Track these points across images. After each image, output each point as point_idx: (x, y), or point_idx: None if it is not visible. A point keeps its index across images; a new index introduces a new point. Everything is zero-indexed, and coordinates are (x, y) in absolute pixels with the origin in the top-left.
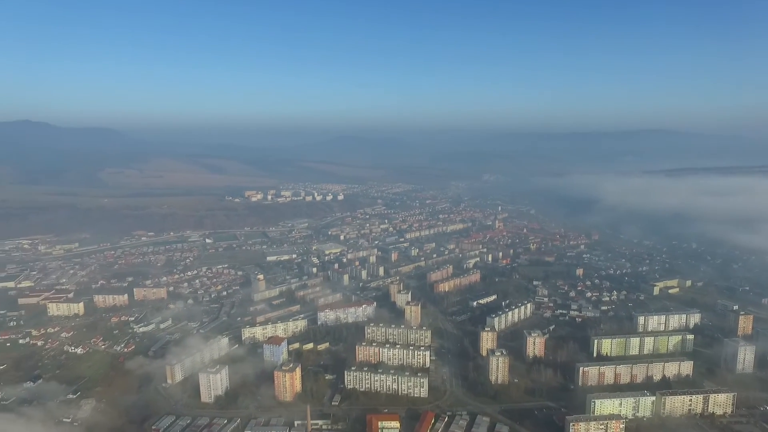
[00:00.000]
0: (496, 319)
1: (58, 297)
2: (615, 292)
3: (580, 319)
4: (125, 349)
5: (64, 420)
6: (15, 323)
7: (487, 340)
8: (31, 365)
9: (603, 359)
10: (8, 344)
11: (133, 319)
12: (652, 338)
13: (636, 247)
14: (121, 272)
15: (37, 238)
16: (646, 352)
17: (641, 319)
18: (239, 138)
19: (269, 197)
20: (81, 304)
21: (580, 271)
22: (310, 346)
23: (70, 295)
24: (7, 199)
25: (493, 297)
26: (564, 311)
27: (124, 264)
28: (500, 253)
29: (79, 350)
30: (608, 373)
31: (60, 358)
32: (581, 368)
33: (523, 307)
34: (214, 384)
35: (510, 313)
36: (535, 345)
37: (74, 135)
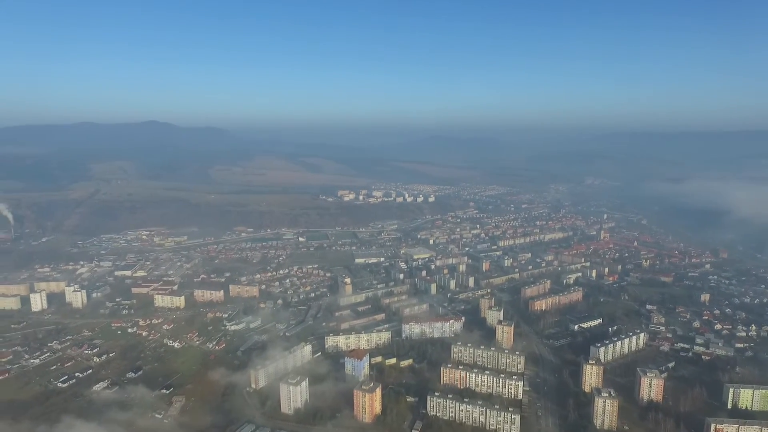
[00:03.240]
0: (602, 350)
1: (164, 289)
2: (754, 327)
3: (707, 357)
4: (216, 347)
5: (156, 415)
6: (127, 312)
7: (592, 375)
8: (135, 356)
9: (740, 414)
10: (119, 332)
11: (226, 315)
12: None
13: None
14: (220, 267)
15: (154, 230)
16: None
17: None
18: (336, 137)
19: (361, 197)
20: (182, 298)
21: (705, 297)
22: (393, 361)
23: (174, 288)
24: (133, 193)
25: (598, 321)
26: (686, 345)
27: (223, 259)
28: (606, 269)
29: (176, 344)
30: None
31: (159, 350)
32: (713, 424)
33: (634, 337)
34: (294, 396)
35: (619, 343)
36: (651, 387)
37: (191, 134)
